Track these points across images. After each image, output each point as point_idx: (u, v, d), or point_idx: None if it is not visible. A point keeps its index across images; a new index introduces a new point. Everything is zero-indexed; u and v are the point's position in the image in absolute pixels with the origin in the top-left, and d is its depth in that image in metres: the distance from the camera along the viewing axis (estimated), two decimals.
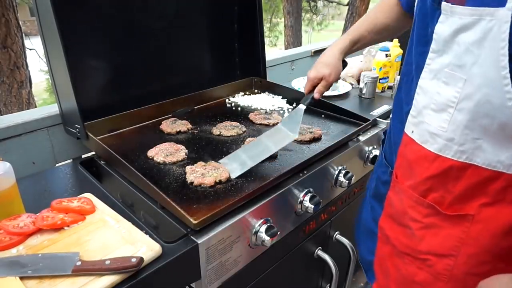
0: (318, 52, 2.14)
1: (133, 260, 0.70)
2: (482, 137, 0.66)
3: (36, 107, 4.09)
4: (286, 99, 1.57)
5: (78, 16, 1.14)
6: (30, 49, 4.85)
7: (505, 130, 0.63)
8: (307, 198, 1.05)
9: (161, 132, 1.27)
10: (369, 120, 1.31)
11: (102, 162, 1.14)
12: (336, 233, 1.40)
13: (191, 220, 0.80)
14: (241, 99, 1.58)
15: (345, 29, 6.19)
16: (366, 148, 1.32)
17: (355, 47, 1.10)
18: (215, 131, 1.27)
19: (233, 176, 0.98)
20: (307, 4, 10.84)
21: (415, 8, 0.78)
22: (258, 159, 1.01)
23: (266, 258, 1.04)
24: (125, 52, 1.29)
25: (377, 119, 1.41)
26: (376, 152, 1.34)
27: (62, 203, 0.86)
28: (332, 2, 11.34)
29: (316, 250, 1.32)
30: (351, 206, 1.42)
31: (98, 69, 1.25)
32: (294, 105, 1.51)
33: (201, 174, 0.97)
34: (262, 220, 0.94)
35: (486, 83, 0.61)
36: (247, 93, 1.66)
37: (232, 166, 1.01)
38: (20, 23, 3.75)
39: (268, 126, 1.32)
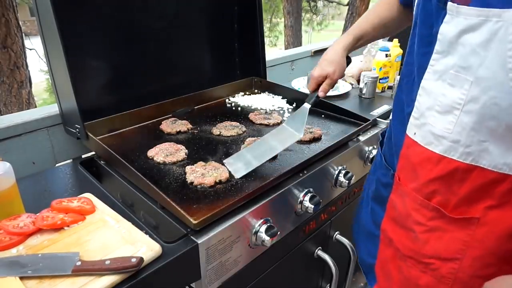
0: (318, 52, 2.14)
1: (133, 260, 0.70)
2: (488, 139, 0.65)
3: (36, 107, 4.09)
4: (286, 99, 1.57)
5: (78, 16, 1.14)
6: (30, 49, 4.86)
7: (511, 131, 0.62)
8: (307, 198, 1.05)
9: (161, 132, 1.27)
10: (369, 120, 1.31)
11: (102, 162, 1.14)
12: (336, 233, 1.40)
13: (191, 220, 0.80)
14: (241, 99, 1.58)
15: (345, 29, 6.19)
16: (366, 148, 1.32)
17: (359, 43, 1.09)
18: (215, 131, 1.27)
19: (238, 175, 0.97)
20: (307, 4, 10.84)
21: (415, 7, 0.77)
22: (263, 159, 1.00)
23: (266, 258, 1.04)
24: (125, 52, 1.29)
25: (377, 119, 1.41)
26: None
27: (62, 203, 0.86)
28: (332, 2, 11.34)
29: (316, 250, 1.32)
30: (351, 206, 1.42)
31: (98, 69, 1.25)
32: (294, 105, 1.51)
33: (201, 174, 0.97)
34: (262, 220, 0.94)
35: (493, 85, 0.61)
36: (247, 93, 1.66)
37: (237, 166, 1.00)
38: (20, 23, 3.75)
39: (268, 126, 1.32)
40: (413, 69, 0.76)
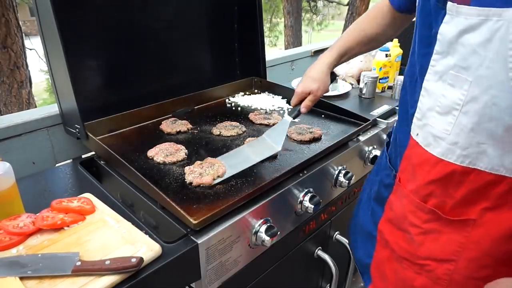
0: (318, 52, 2.14)
1: (133, 260, 0.70)
2: (486, 142, 0.65)
3: (36, 107, 4.09)
4: (286, 99, 1.56)
5: (78, 16, 1.14)
6: (30, 49, 4.85)
7: (510, 132, 0.62)
8: (307, 198, 1.05)
9: (161, 132, 1.27)
10: (369, 120, 1.31)
11: (102, 162, 1.14)
12: (336, 233, 1.40)
13: (191, 220, 0.80)
14: (241, 99, 1.58)
15: (345, 29, 6.19)
16: (366, 148, 1.32)
17: (342, 59, 1.10)
18: (215, 131, 1.27)
19: (219, 178, 0.97)
20: (307, 4, 10.84)
21: (416, 8, 0.77)
22: (237, 169, 0.99)
23: (266, 258, 1.04)
24: (125, 52, 1.29)
25: (377, 119, 1.41)
26: (376, 152, 1.34)
27: (62, 203, 0.86)
28: (332, 2, 11.34)
29: (316, 250, 1.32)
30: (351, 206, 1.42)
31: (98, 69, 1.25)
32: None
33: (199, 173, 0.97)
34: (262, 220, 0.94)
35: (493, 85, 0.60)
36: (247, 93, 1.66)
37: None
38: (20, 23, 3.75)
39: (268, 126, 1.32)
40: (415, 70, 0.76)
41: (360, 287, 1.90)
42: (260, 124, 1.34)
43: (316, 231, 1.27)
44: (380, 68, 1.76)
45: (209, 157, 1.04)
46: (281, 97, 1.59)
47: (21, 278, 0.68)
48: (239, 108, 1.49)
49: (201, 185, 0.95)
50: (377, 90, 1.76)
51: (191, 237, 0.82)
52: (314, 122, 1.36)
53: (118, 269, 0.69)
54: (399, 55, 1.82)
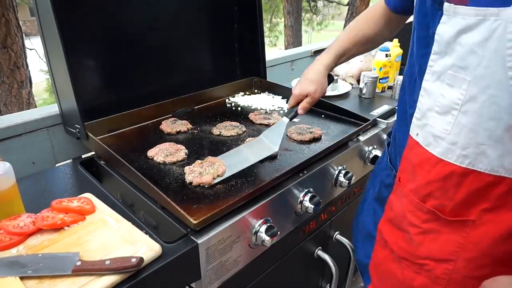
0: (318, 52, 2.14)
1: (133, 260, 0.70)
2: (486, 142, 0.65)
3: (36, 107, 4.09)
4: (286, 99, 1.56)
5: (78, 16, 1.14)
6: (30, 49, 4.85)
7: (509, 132, 0.62)
8: (307, 198, 1.05)
9: (161, 132, 1.27)
10: (369, 120, 1.31)
11: (102, 162, 1.14)
12: (336, 233, 1.40)
13: (191, 220, 0.80)
14: (241, 99, 1.58)
15: None
16: (366, 148, 1.32)
17: (340, 61, 1.10)
18: (215, 131, 1.27)
19: (219, 178, 0.97)
20: (307, 4, 10.84)
21: (414, 10, 0.77)
22: (235, 169, 0.99)
23: (266, 258, 1.04)
24: (125, 52, 1.29)
25: (377, 119, 1.41)
26: (376, 152, 1.34)
27: (62, 203, 0.86)
28: (332, 2, 11.34)
29: (316, 250, 1.32)
30: (351, 206, 1.42)
31: (98, 69, 1.25)
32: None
33: (199, 173, 0.97)
34: (262, 220, 0.94)
35: (492, 84, 0.60)
36: (247, 93, 1.66)
37: None
38: (20, 23, 3.76)
39: (268, 126, 1.32)
40: (414, 71, 0.76)
41: (360, 287, 1.90)
42: (260, 124, 1.34)
43: (316, 231, 1.27)
44: (380, 68, 1.76)
45: (209, 156, 1.04)
46: (281, 97, 1.59)
47: (21, 278, 0.68)
48: (239, 108, 1.49)
49: (201, 185, 0.95)
50: (377, 90, 1.76)
51: (191, 237, 0.82)
52: (314, 122, 1.36)
53: (118, 269, 0.69)
54: (399, 55, 1.82)
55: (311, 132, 1.23)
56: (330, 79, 1.12)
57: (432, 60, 0.69)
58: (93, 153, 1.20)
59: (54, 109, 1.18)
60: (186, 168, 1.01)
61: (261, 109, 1.48)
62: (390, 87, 1.81)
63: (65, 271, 0.68)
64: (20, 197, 0.86)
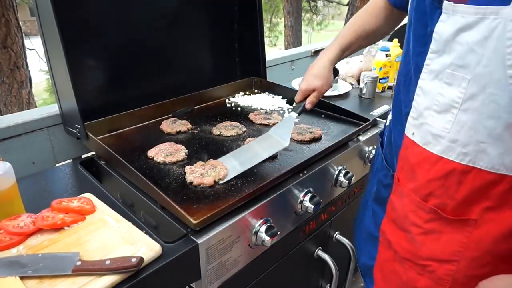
0: (318, 52, 2.14)
1: (133, 260, 0.70)
2: (486, 140, 0.65)
3: (36, 107, 4.09)
4: (286, 99, 1.56)
5: (78, 16, 1.14)
6: (30, 49, 4.86)
7: (509, 130, 0.62)
8: (307, 198, 1.05)
9: (161, 132, 1.27)
10: (369, 120, 1.31)
11: (102, 162, 1.14)
12: (336, 233, 1.40)
13: (191, 220, 0.80)
14: (241, 99, 1.58)
15: None
16: (366, 148, 1.32)
17: (344, 54, 1.11)
18: (215, 131, 1.27)
19: (222, 181, 0.97)
20: (307, 4, 10.84)
21: (409, 6, 0.77)
22: (248, 165, 1.00)
23: (266, 258, 1.04)
24: (125, 52, 1.29)
25: (377, 119, 1.41)
26: None
27: (62, 203, 0.86)
28: (332, 2, 11.34)
29: (316, 250, 1.32)
30: (351, 206, 1.42)
31: (98, 69, 1.25)
32: (294, 105, 1.51)
33: (200, 174, 0.97)
34: (262, 220, 0.94)
35: (491, 83, 0.60)
36: (247, 93, 1.66)
37: None
38: (20, 23, 3.76)
39: (268, 126, 1.32)
40: (410, 69, 0.76)
41: (360, 287, 1.90)
42: (260, 124, 1.34)
43: (316, 231, 1.27)
44: (380, 68, 1.76)
45: (211, 159, 1.04)
46: (281, 97, 1.59)
47: (21, 278, 0.68)
48: (239, 108, 1.49)
49: (201, 185, 0.95)
50: (377, 90, 1.76)
51: (191, 237, 0.82)
52: (314, 122, 1.36)
53: (118, 269, 0.69)
54: (399, 55, 1.82)
55: (311, 132, 1.23)
56: (336, 72, 1.13)
57: (430, 59, 0.69)
58: (93, 153, 1.20)
59: (54, 109, 1.18)
60: (187, 168, 1.01)
61: (261, 109, 1.48)
62: (390, 87, 1.81)
63: (65, 271, 0.68)
64: (20, 197, 0.86)
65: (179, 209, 0.82)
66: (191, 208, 0.86)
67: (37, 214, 0.82)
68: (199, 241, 0.80)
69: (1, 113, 3.78)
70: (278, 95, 1.61)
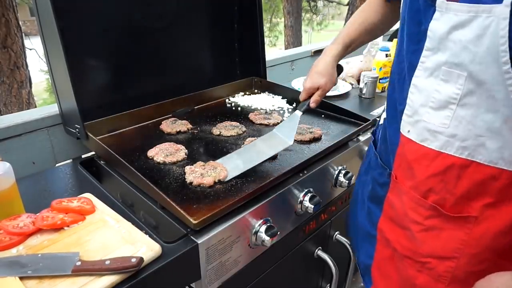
0: (318, 52, 2.14)
1: (133, 260, 0.70)
2: (485, 134, 0.65)
3: (36, 107, 4.09)
4: (286, 99, 1.56)
5: (78, 16, 1.14)
6: (30, 49, 4.86)
7: (507, 123, 0.63)
8: (307, 198, 1.05)
9: (161, 132, 1.27)
10: (369, 120, 1.31)
11: (102, 162, 1.14)
12: (336, 233, 1.40)
13: (191, 220, 0.80)
14: (241, 99, 1.58)
15: None
16: (366, 148, 1.32)
17: (348, 51, 1.11)
18: (215, 131, 1.27)
19: (226, 178, 0.97)
20: (307, 4, 10.84)
21: (402, 5, 0.77)
22: (252, 163, 1.00)
23: (266, 258, 1.04)
24: (125, 52, 1.29)
25: (377, 119, 1.41)
26: None
27: (62, 203, 0.86)
28: (332, 2, 11.34)
29: (316, 250, 1.32)
30: None
31: (98, 69, 1.25)
32: (294, 105, 1.51)
33: (200, 174, 0.97)
34: (262, 220, 0.94)
35: (488, 79, 0.61)
36: (247, 93, 1.66)
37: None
38: (20, 23, 3.76)
39: (268, 126, 1.32)
40: (403, 67, 0.76)
41: (360, 287, 1.90)
42: (260, 124, 1.34)
43: (316, 231, 1.27)
44: (380, 68, 1.76)
45: (211, 161, 1.04)
46: (281, 97, 1.59)
47: (21, 278, 0.68)
48: (239, 108, 1.49)
49: (201, 185, 0.95)
50: (377, 90, 1.76)
51: (191, 237, 0.82)
52: (314, 122, 1.36)
53: (118, 269, 0.69)
54: None
55: (311, 132, 1.23)
56: (340, 69, 1.13)
57: (425, 56, 0.69)
58: (93, 153, 1.20)
59: (54, 109, 1.18)
60: (187, 168, 1.01)
61: (261, 109, 1.48)
62: None
63: (65, 271, 0.68)
64: (20, 197, 0.86)
65: (179, 209, 0.82)
66: (191, 208, 0.86)
67: (37, 214, 0.82)
68: (199, 241, 0.80)
69: (1, 113, 3.78)
70: (278, 95, 1.61)
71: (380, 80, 1.76)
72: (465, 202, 0.72)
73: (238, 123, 1.31)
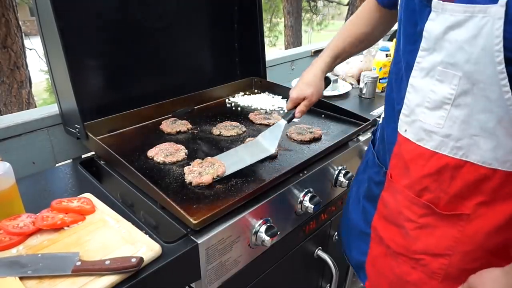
0: (318, 52, 2.13)
1: (133, 260, 0.70)
2: (479, 134, 0.66)
3: (36, 107, 4.09)
4: (286, 99, 1.56)
5: (78, 16, 1.14)
6: (30, 49, 4.86)
7: (501, 123, 0.64)
8: (307, 198, 1.05)
9: (161, 132, 1.27)
10: (369, 120, 1.31)
11: (102, 162, 1.14)
12: (336, 233, 1.40)
13: (191, 220, 0.80)
14: (241, 99, 1.58)
15: None
16: (366, 148, 1.32)
17: (336, 62, 1.11)
18: (215, 131, 1.27)
19: (224, 174, 0.97)
20: (307, 4, 10.84)
21: (399, 5, 0.78)
22: (231, 170, 0.99)
23: (266, 258, 1.04)
24: (125, 52, 1.29)
25: (377, 119, 1.41)
26: None
27: (62, 203, 0.86)
28: (332, 2, 11.34)
29: (316, 250, 1.32)
30: None
31: (98, 69, 1.25)
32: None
33: (198, 173, 0.97)
34: (262, 220, 0.94)
35: (483, 79, 0.62)
36: (247, 93, 1.66)
37: None
38: (20, 23, 3.76)
39: (268, 126, 1.32)
40: (401, 67, 0.77)
41: (360, 287, 1.89)
42: (260, 124, 1.34)
43: (316, 231, 1.27)
44: (380, 68, 1.76)
45: (209, 157, 1.04)
46: (281, 97, 1.59)
47: (21, 278, 0.68)
48: (239, 108, 1.49)
49: (201, 185, 0.95)
50: (377, 90, 1.76)
51: (191, 237, 0.82)
52: (314, 122, 1.36)
53: (118, 269, 0.69)
54: None
55: (311, 132, 1.23)
56: (327, 82, 1.13)
57: (420, 57, 0.70)
58: (93, 153, 1.20)
59: (54, 109, 1.18)
60: (186, 168, 1.01)
61: (261, 109, 1.48)
62: None
63: (65, 271, 0.68)
64: (20, 197, 0.86)
65: (179, 209, 0.82)
66: (191, 208, 0.86)
67: (37, 214, 0.82)
68: (199, 241, 0.80)
69: (1, 113, 3.78)
70: (278, 95, 1.61)
71: (380, 80, 1.76)
72: (459, 201, 0.73)
73: (238, 123, 1.31)
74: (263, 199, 0.94)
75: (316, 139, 1.22)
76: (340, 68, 1.95)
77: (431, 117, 0.71)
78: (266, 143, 1.07)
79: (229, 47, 1.66)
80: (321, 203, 1.08)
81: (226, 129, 1.27)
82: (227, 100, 1.58)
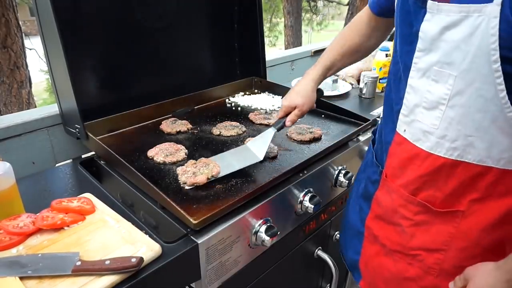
0: (318, 52, 2.14)
1: (133, 260, 0.70)
2: (474, 134, 0.67)
3: (36, 107, 4.09)
4: None
5: (78, 16, 1.14)
6: (30, 49, 4.85)
7: (496, 123, 0.64)
8: (307, 198, 1.05)
9: (161, 132, 1.27)
10: (369, 120, 1.31)
11: (102, 162, 1.14)
12: (336, 233, 1.40)
13: (191, 220, 0.80)
14: (241, 99, 1.58)
15: None
16: (366, 148, 1.32)
17: (329, 73, 1.11)
18: (215, 131, 1.27)
19: (218, 175, 0.97)
20: (307, 4, 10.83)
21: (395, 7, 0.78)
22: (233, 168, 0.99)
23: (266, 258, 1.04)
24: (125, 52, 1.29)
25: (377, 119, 1.41)
26: None
27: (62, 203, 0.86)
28: (332, 2, 11.34)
29: (316, 250, 1.32)
30: None
31: (98, 69, 1.25)
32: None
33: (192, 173, 0.97)
34: (262, 220, 0.94)
35: (478, 78, 0.62)
36: (247, 93, 1.66)
37: None
38: (20, 23, 3.76)
39: (268, 126, 1.32)
40: (399, 68, 0.78)
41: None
42: (260, 124, 1.34)
43: (316, 231, 1.27)
44: (380, 68, 1.76)
45: (203, 157, 1.04)
46: (281, 97, 1.58)
47: (21, 278, 0.68)
48: (239, 108, 1.49)
49: (195, 185, 0.94)
50: (377, 90, 1.76)
51: (191, 237, 0.81)
52: (314, 122, 1.36)
53: (118, 269, 0.69)
54: None
55: (311, 132, 1.23)
56: (320, 93, 1.15)
57: (417, 57, 0.71)
58: (93, 153, 1.20)
59: (54, 109, 1.18)
60: (179, 169, 1.00)
61: (261, 109, 1.48)
62: None
63: (65, 271, 0.68)
64: (20, 197, 0.86)
65: (179, 209, 0.82)
66: (191, 208, 0.86)
67: (37, 214, 0.82)
68: (199, 241, 0.80)
69: (1, 113, 3.78)
70: (278, 95, 1.61)
71: (380, 80, 1.76)
72: (454, 198, 0.74)
73: (238, 123, 1.31)
74: (263, 199, 0.94)
75: (316, 139, 1.22)
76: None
77: (428, 117, 0.72)
78: (255, 150, 1.07)
79: (229, 47, 1.66)
80: (321, 203, 1.08)
81: (226, 129, 1.27)
82: (227, 100, 1.58)
